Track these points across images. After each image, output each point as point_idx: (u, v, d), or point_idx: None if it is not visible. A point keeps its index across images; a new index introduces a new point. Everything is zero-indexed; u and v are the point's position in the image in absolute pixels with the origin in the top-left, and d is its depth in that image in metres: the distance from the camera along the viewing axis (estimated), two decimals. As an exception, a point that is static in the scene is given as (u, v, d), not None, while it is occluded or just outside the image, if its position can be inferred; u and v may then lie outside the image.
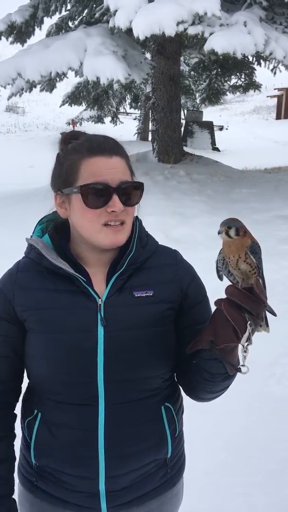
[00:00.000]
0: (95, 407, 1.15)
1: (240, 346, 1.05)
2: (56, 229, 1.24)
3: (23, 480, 1.28)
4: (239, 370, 1.07)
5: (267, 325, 1.16)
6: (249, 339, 1.01)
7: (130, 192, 1.15)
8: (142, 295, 1.18)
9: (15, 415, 1.29)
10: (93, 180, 1.12)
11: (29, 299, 1.18)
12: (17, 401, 1.30)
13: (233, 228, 1.08)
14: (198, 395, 1.22)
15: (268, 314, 1.15)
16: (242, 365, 1.06)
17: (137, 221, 1.25)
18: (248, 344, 1.02)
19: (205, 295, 1.27)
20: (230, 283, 1.08)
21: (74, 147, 1.18)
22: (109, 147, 1.16)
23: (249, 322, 1.00)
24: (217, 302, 1.02)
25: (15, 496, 1.28)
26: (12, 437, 1.28)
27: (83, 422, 1.15)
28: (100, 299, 1.16)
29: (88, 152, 1.14)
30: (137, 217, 1.27)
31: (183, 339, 1.20)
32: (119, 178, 1.13)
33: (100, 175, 1.12)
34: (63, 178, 1.17)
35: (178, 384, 1.29)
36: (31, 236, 1.25)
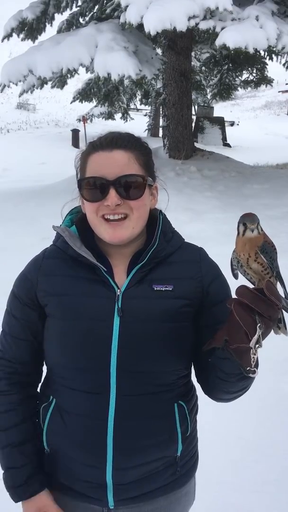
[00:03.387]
0: (106, 396, 1.15)
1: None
2: (83, 220, 1.25)
3: None
4: (247, 373, 1.03)
5: (286, 327, 1.14)
6: (258, 342, 0.97)
7: (131, 185, 1.15)
8: (161, 289, 1.18)
9: (37, 395, 1.32)
10: (92, 175, 1.16)
11: (51, 284, 1.21)
12: (39, 382, 1.33)
13: (259, 224, 1.09)
14: (215, 395, 1.21)
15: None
16: (251, 369, 1.02)
17: (160, 215, 1.26)
18: (258, 347, 0.98)
19: (228, 295, 1.24)
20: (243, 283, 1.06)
21: (87, 146, 1.22)
22: (112, 141, 1.17)
23: (259, 324, 0.96)
24: (229, 302, 1.00)
25: None
26: (35, 417, 1.29)
27: (93, 411, 1.16)
28: (118, 290, 1.17)
29: (92, 148, 1.19)
30: (160, 211, 1.28)
31: (202, 337, 1.18)
32: (118, 171, 1.14)
33: (99, 169, 1.15)
34: (77, 176, 1.22)
35: (198, 382, 1.28)
36: (60, 225, 1.27)
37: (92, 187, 1.15)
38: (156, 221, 1.25)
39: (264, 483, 2.45)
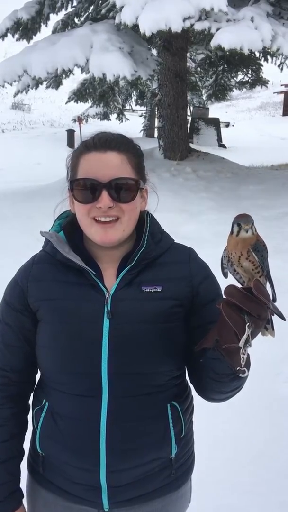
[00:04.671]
0: (98, 399, 1.15)
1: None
2: (72, 224, 1.25)
3: (31, 470, 1.31)
4: (237, 373, 1.03)
5: (273, 329, 1.14)
6: (248, 341, 0.96)
7: (124, 188, 1.14)
8: (150, 290, 1.18)
9: (29, 407, 1.31)
10: (84, 176, 1.14)
11: (41, 289, 1.21)
12: (32, 392, 1.32)
13: (253, 225, 1.09)
14: (208, 395, 1.21)
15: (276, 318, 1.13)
16: (241, 369, 1.02)
17: (147, 217, 1.26)
18: (248, 346, 0.98)
19: (219, 295, 1.24)
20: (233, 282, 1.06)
21: (79, 145, 1.21)
22: (106, 142, 1.16)
23: (248, 324, 0.95)
24: (218, 302, 1.00)
25: (23, 486, 1.31)
26: (25, 432, 1.31)
27: (86, 413, 1.16)
28: (108, 293, 1.17)
29: (85, 148, 1.17)
30: (148, 212, 1.27)
31: (194, 337, 1.18)
32: (111, 173, 1.13)
33: (92, 171, 1.14)
34: (68, 175, 1.21)
35: (191, 383, 1.28)
36: (49, 231, 1.27)
37: (84, 188, 1.14)
38: (144, 222, 1.25)
39: (259, 484, 2.45)
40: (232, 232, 1.11)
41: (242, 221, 1.09)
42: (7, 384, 1.26)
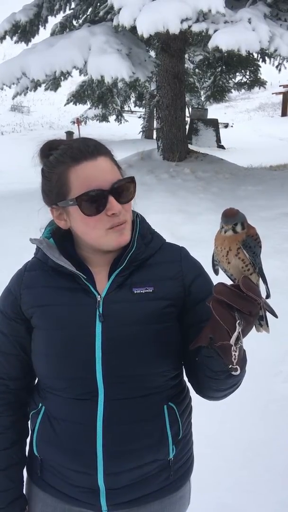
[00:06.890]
0: (95, 402, 1.15)
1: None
2: (60, 229, 1.24)
3: (29, 472, 1.31)
4: (230, 370, 1.02)
5: (267, 325, 1.13)
6: (238, 339, 0.96)
7: (124, 190, 1.15)
8: (141, 291, 1.18)
9: (28, 413, 1.31)
10: (86, 188, 1.11)
11: (34, 296, 1.21)
12: (30, 398, 1.32)
13: (239, 224, 1.03)
14: (207, 394, 1.20)
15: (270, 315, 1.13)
16: (233, 366, 1.01)
17: (137, 218, 1.25)
18: (239, 344, 0.97)
19: (212, 292, 1.25)
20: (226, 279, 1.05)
21: (57, 159, 1.17)
22: (91, 149, 1.15)
23: (238, 321, 0.95)
24: (208, 300, 0.99)
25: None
26: (26, 438, 1.31)
27: (82, 417, 1.16)
28: (99, 296, 1.17)
29: (72, 160, 1.14)
30: (137, 214, 1.27)
31: (189, 336, 1.18)
32: (110, 179, 1.13)
33: (92, 181, 1.12)
34: (55, 192, 1.17)
35: (189, 382, 1.28)
36: (41, 237, 1.27)
37: (92, 200, 1.11)
38: (133, 223, 1.24)
39: (257, 483, 2.46)
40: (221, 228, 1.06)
41: (223, 221, 1.04)
42: (5, 392, 1.27)
